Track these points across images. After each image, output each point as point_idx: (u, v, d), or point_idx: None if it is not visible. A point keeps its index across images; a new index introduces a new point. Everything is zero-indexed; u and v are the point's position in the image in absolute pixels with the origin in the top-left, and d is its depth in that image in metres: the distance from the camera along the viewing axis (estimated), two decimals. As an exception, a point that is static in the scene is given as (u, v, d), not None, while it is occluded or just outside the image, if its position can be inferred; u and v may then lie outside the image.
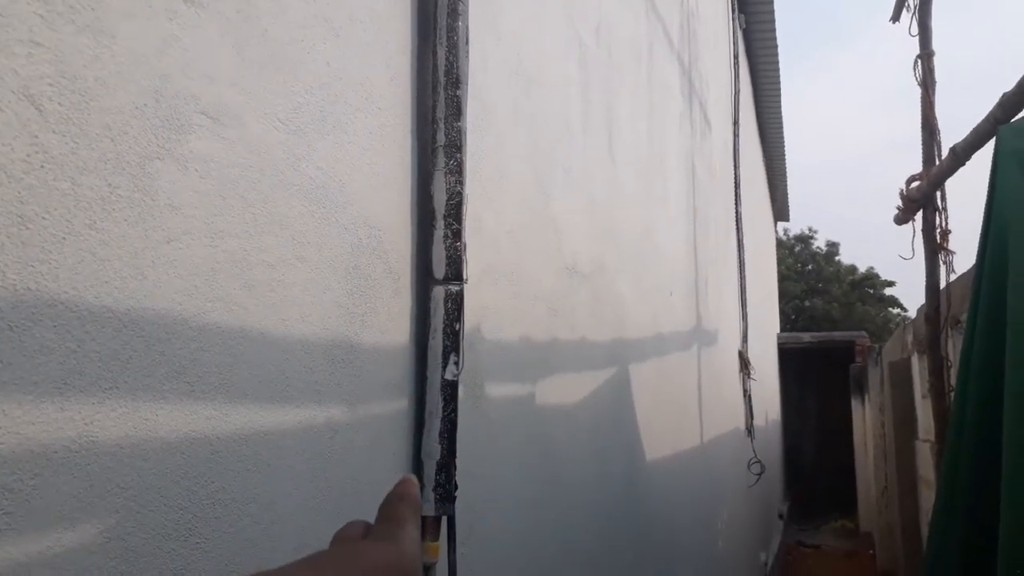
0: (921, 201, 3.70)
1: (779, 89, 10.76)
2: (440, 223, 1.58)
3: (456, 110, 1.61)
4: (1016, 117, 2.35)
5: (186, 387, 1.00)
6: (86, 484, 0.86)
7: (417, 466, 1.49)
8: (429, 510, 1.43)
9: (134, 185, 0.94)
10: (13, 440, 0.79)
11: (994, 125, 2.46)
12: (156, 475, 0.95)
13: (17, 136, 0.80)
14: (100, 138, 0.90)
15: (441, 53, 1.61)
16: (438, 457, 1.47)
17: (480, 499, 1.79)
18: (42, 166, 0.83)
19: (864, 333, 13.96)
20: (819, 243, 31.00)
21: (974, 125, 2.71)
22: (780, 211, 15.90)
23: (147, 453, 0.94)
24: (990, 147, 2.39)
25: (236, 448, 1.08)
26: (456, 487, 1.50)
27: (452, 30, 1.62)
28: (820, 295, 29.27)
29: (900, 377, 6.63)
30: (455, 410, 1.52)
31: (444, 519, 1.47)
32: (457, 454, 1.53)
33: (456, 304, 1.57)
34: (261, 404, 1.13)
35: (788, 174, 14.28)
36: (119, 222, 0.91)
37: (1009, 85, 2.34)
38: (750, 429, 7.33)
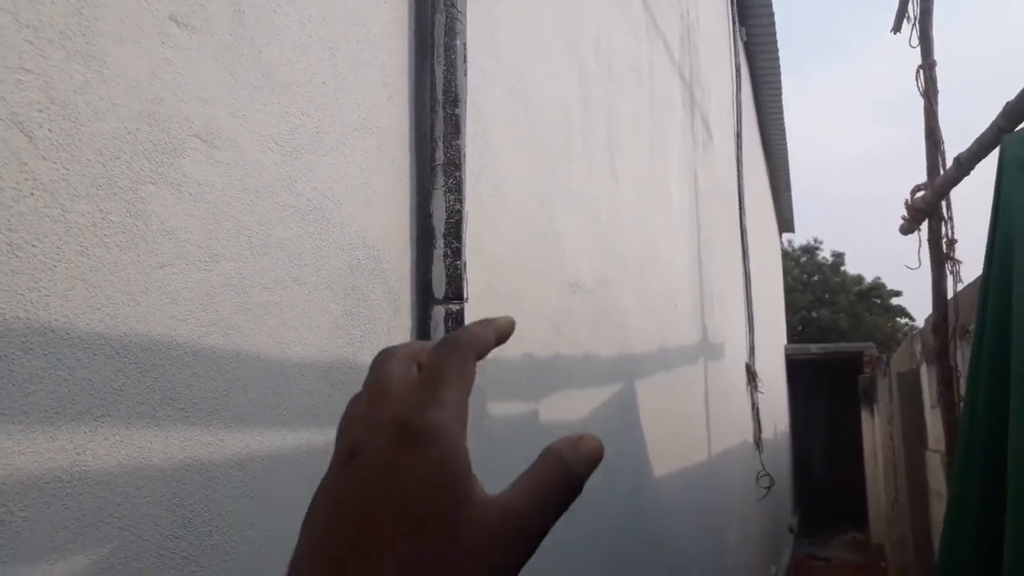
0: (926, 211, 3.67)
1: (781, 100, 10.76)
2: (440, 242, 1.57)
3: (455, 128, 1.61)
4: (1019, 126, 2.33)
5: (180, 413, 0.99)
6: (78, 514, 0.85)
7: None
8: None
9: (126, 210, 0.93)
10: (3, 471, 0.77)
11: (997, 135, 2.44)
12: (150, 503, 0.94)
13: (6, 164, 0.79)
14: (91, 163, 0.89)
15: (439, 71, 1.61)
16: (440, 479, 1.46)
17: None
18: (32, 193, 0.82)
19: (872, 344, 13.87)
20: (825, 253, 30.95)
21: (978, 134, 2.70)
22: (785, 222, 15.86)
23: (141, 481, 0.93)
24: (994, 156, 2.37)
25: (233, 474, 1.07)
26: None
27: (450, 49, 1.62)
28: (827, 306, 29.18)
29: (909, 388, 6.58)
30: (456, 430, 1.50)
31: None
32: (459, 475, 1.51)
33: (457, 323, 1.55)
34: (258, 429, 1.12)
35: (792, 185, 14.27)
36: (111, 248, 0.91)
37: (1011, 94, 2.33)
38: (758, 442, 7.28)
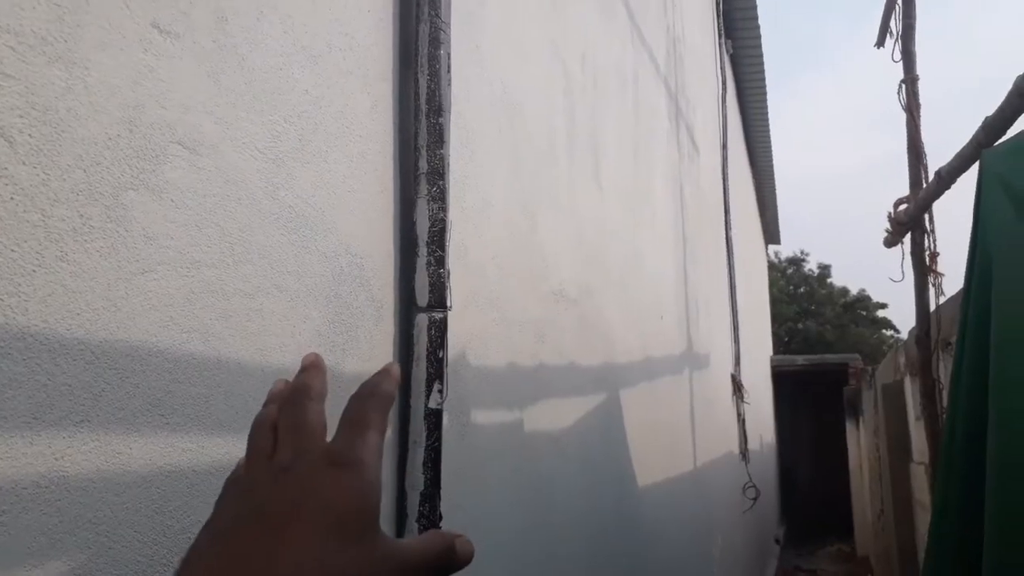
0: (909, 224, 3.70)
1: (767, 113, 10.84)
2: (423, 250, 1.57)
3: (439, 137, 1.61)
4: (998, 141, 2.36)
5: (161, 419, 0.99)
6: (56, 520, 0.84)
7: (401, 497, 1.48)
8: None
9: (107, 216, 0.93)
10: (-21, 476, 0.77)
11: (977, 149, 2.47)
12: (129, 510, 0.94)
13: (-14, 168, 0.79)
14: (72, 169, 0.89)
15: (423, 81, 1.62)
16: (422, 487, 1.46)
17: (466, 531, 1.77)
18: (12, 198, 0.82)
19: (857, 356, 13.95)
20: (811, 265, 31.09)
21: (959, 148, 2.73)
22: (771, 234, 15.94)
23: (120, 487, 0.92)
24: (975, 170, 2.40)
25: (213, 481, 1.07)
26: (441, 518, 1.48)
27: (434, 58, 1.63)
28: (813, 317, 29.31)
29: (893, 399, 6.61)
30: (439, 439, 1.50)
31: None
32: (442, 484, 1.52)
33: (440, 331, 1.56)
34: (239, 436, 1.12)
35: (778, 197, 14.35)
36: (92, 253, 0.91)
37: (991, 109, 2.36)
38: (744, 453, 7.30)
